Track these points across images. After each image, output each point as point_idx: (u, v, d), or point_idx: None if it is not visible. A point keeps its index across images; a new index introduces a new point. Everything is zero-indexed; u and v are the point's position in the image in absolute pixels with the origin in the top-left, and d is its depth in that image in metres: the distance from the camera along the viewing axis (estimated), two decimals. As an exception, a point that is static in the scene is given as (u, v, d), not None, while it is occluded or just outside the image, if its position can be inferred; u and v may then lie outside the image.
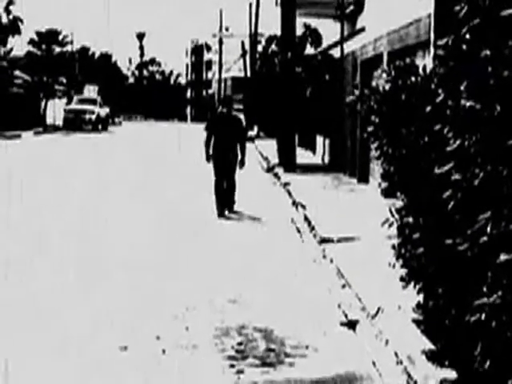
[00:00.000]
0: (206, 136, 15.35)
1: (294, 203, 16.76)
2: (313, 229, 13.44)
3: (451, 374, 6.04)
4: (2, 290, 9.22)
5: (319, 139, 28.40)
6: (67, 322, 7.97)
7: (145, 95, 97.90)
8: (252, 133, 44.32)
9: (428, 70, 6.99)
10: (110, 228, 13.44)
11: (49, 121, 52.89)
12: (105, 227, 13.50)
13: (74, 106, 51.05)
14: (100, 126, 49.78)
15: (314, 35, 29.88)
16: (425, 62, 10.43)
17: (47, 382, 6.35)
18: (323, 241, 12.31)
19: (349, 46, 22.39)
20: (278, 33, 29.72)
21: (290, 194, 18.29)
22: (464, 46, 5.35)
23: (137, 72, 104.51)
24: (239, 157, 15.43)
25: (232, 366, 6.76)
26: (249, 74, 50.87)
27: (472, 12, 5.13)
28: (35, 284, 9.46)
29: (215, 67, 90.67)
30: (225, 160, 15.33)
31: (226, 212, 15.35)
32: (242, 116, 34.06)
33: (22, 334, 7.58)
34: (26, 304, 8.60)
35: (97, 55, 78.62)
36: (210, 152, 15.30)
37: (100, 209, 15.64)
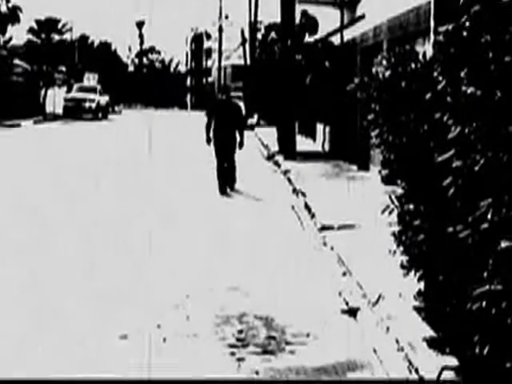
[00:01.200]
0: (207, 121, 16.88)
1: (295, 191, 16.75)
2: (313, 216, 13.43)
3: (452, 361, 6.04)
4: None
5: (319, 127, 28.35)
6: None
7: (145, 83, 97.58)
8: (252, 120, 44.20)
9: (428, 57, 6.96)
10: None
11: (49, 109, 52.67)
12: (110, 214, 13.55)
13: (73, 94, 50.94)
14: (100, 115, 49.67)
15: (310, 22, 29.73)
16: (425, 48, 10.40)
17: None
18: (324, 228, 12.31)
19: (349, 34, 22.33)
20: (278, 20, 29.62)
21: (290, 181, 18.28)
22: (464, 33, 5.33)
23: (136, 60, 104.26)
24: (238, 139, 16.78)
25: (233, 353, 6.77)
26: (248, 61, 50.75)
27: (472, -2, 5.11)
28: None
29: (215, 55, 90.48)
30: (225, 144, 16.67)
31: (228, 190, 16.63)
32: (241, 104, 34.00)
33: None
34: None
35: (96, 43, 78.34)
36: (211, 136, 16.65)
37: (104, 198, 15.65)
